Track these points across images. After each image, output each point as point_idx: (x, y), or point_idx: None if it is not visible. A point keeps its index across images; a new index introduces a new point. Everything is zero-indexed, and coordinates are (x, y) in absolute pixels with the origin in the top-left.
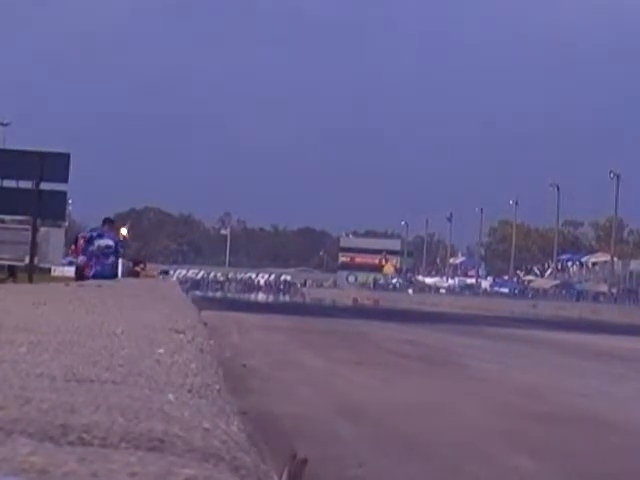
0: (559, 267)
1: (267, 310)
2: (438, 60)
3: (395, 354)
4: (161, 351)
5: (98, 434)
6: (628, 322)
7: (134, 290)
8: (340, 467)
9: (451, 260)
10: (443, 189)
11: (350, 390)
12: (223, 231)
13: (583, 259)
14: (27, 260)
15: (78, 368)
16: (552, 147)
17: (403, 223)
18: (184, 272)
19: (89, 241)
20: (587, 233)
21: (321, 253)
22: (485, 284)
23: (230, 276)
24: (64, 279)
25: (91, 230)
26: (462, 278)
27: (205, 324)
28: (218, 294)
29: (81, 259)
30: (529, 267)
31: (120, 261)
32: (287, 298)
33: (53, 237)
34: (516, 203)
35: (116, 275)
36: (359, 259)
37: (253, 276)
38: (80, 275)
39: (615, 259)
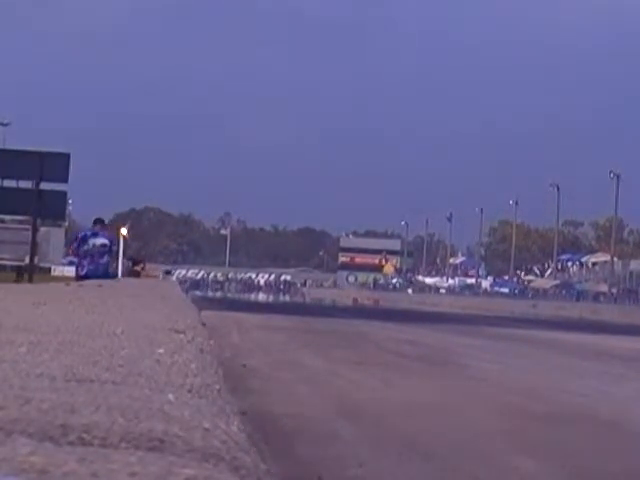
0: (559, 267)
1: (267, 310)
2: (438, 60)
3: (395, 354)
4: (161, 351)
5: (98, 434)
6: (628, 322)
7: (134, 290)
8: (340, 467)
9: (451, 260)
10: (443, 189)
11: (350, 390)
12: (223, 231)
13: (583, 259)
14: (27, 260)
15: (78, 368)
16: (552, 147)
17: (403, 223)
18: (184, 272)
19: (83, 240)
20: (587, 233)
21: (321, 253)
22: (485, 284)
23: (230, 276)
24: (64, 279)
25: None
26: (462, 278)
27: (204, 324)
28: (218, 294)
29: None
30: (529, 267)
31: (120, 261)
32: (287, 298)
33: (53, 237)
34: (516, 203)
35: (109, 274)
36: (359, 259)
37: (253, 276)
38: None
39: (615, 259)
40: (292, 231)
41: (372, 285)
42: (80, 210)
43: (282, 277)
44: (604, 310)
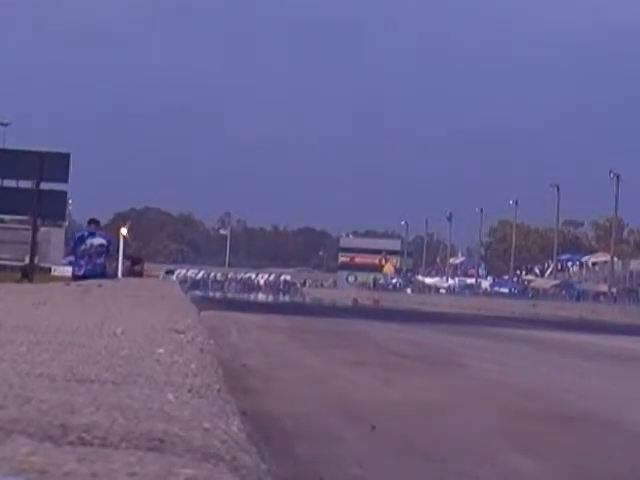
0: (559, 267)
1: (267, 310)
2: (438, 60)
3: (395, 354)
4: (161, 351)
5: (98, 434)
6: (628, 322)
7: (134, 290)
8: (340, 467)
9: (451, 260)
10: (443, 189)
11: (350, 390)
12: (223, 231)
13: (583, 259)
14: (27, 260)
15: (78, 368)
16: (552, 147)
17: (403, 223)
18: (184, 272)
19: (80, 240)
20: (587, 233)
21: (321, 253)
22: (485, 284)
23: (230, 276)
24: (64, 279)
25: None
26: (462, 278)
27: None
28: (218, 294)
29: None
30: (529, 267)
31: (120, 260)
32: (287, 298)
33: (53, 237)
34: (516, 203)
35: (106, 274)
36: (359, 259)
37: (253, 276)
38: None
39: (615, 259)
40: (292, 231)
41: (372, 285)
42: (80, 210)
43: (282, 277)
44: (604, 310)
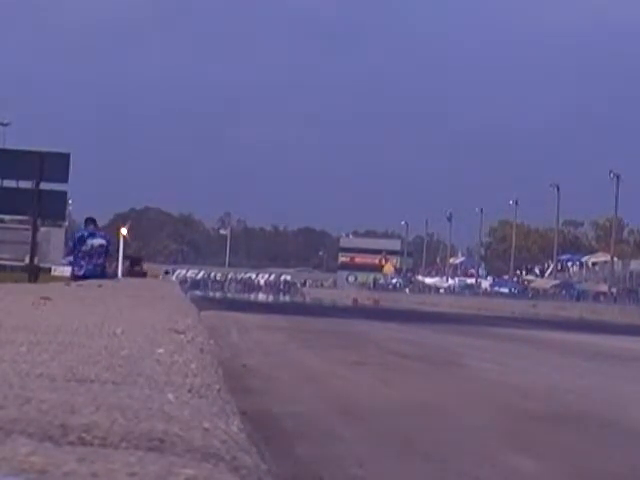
0: (559, 267)
1: (267, 310)
2: (438, 60)
3: (395, 354)
4: (161, 351)
5: (98, 434)
6: (628, 322)
7: (134, 290)
8: (340, 467)
9: (451, 260)
10: (443, 189)
11: (350, 390)
12: (223, 231)
13: (583, 259)
14: (27, 260)
15: (78, 368)
16: (552, 147)
17: (403, 223)
18: (184, 272)
19: (80, 240)
20: (587, 233)
21: (321, 253)
22: (485, 284)
23: (230, 276)
24: (64, 279)
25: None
26: (462, 278)
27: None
28: (218, 294)
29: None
30: (529, 267)
31: (120, 261)
32: (287, 298)
33: (53, 237)
34: (516, 203)
35: (106, 275)
36: (359, 259)
37: (253, 276)
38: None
39: (615, 259)
40: (292, 231)
41: (372, 285)
42: (80, 210)
43: (282, 277)
44: (604, 310)
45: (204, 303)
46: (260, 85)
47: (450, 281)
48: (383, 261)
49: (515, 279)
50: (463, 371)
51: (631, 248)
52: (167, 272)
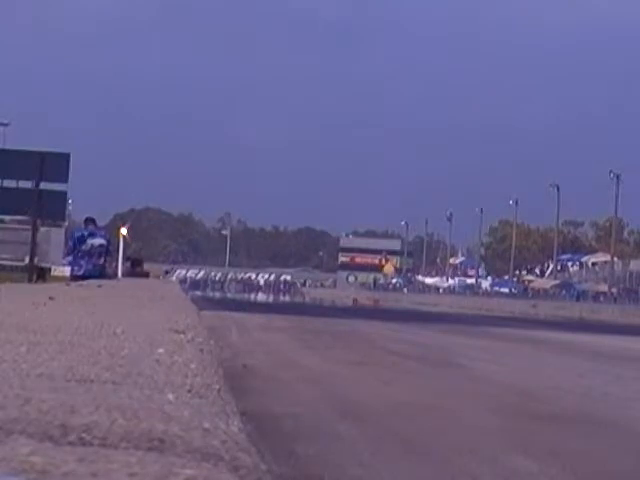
0: (559, 267)
1: (267, 310)
2: (438, 60)
3: (395, 354)
4: (161, 351)
5: (98, 434)
6: (628, 322)
7: (134, 290)
8: (340, 467)
9: (451, 260)
10: (443, 189)
11: (350, 390)
12: (223, 231)
13: (583, 259)
14: (27, 260)
15: (78, 368)
16: (552, 147)
17: (403, 223)
18: (184, 272)
19: (79, 240)
20: (587, 233)
21: (321, 253)
22: (485, 284)
23: (230, 276)
24: (64, 279)
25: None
26: (462, 278)
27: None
28: (218, 294)
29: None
30: (529, 267)
31: (120, 261)
32: (287, 298)
33: (53, 237)
34: (516, 203)
35: (105, 274)
36: (359, 259)
37: (253, 276)
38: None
39: (615, 259)
40: (292, 231)
41: (372, 285)
42: (80, 210)
43: (282, 277)
44: (604, 310)
45: (204, 303)
46: (260, 85)
47: (450, 281)
48: (383, 261)
49: (515, 279)
50: (463, 371)
51: (631, 248)
52: (167, 272)
